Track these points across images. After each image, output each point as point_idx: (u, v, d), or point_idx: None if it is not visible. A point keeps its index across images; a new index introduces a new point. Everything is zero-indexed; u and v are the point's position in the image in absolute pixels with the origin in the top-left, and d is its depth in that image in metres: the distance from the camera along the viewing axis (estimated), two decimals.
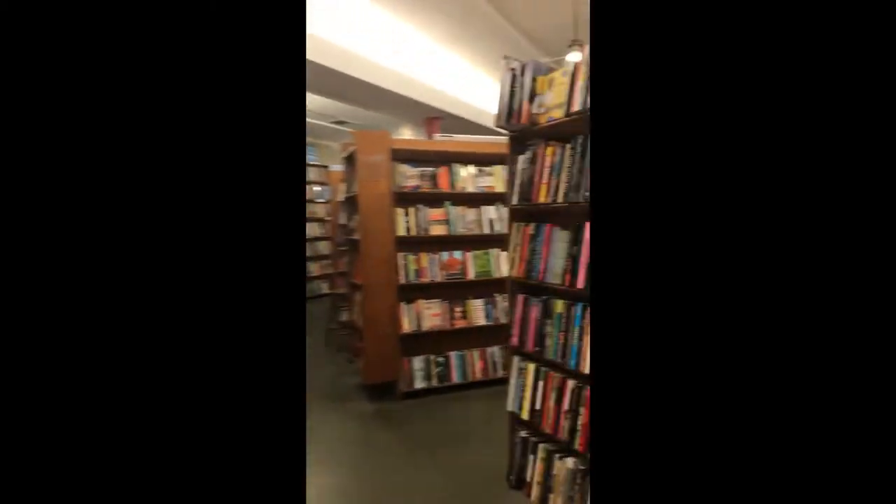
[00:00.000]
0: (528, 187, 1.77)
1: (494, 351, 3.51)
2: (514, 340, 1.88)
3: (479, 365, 3.46)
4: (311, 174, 7.50)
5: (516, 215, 1.91)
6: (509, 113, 1.79)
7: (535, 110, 1.73)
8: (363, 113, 5.26)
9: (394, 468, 2.36)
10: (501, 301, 3.53)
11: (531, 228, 1.80)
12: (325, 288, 7.47)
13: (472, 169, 3.48)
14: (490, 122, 5.39)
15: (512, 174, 1.89)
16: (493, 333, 3.58)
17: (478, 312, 3.48)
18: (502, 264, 3.52)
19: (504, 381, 3.56)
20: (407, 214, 3.31)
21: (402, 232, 3.28)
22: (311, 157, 8.01)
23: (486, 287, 3.58)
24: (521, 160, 1.83)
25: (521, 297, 1.86)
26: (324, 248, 7.56)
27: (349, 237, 3.72)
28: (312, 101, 5.58)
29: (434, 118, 4.43)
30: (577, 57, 3.63)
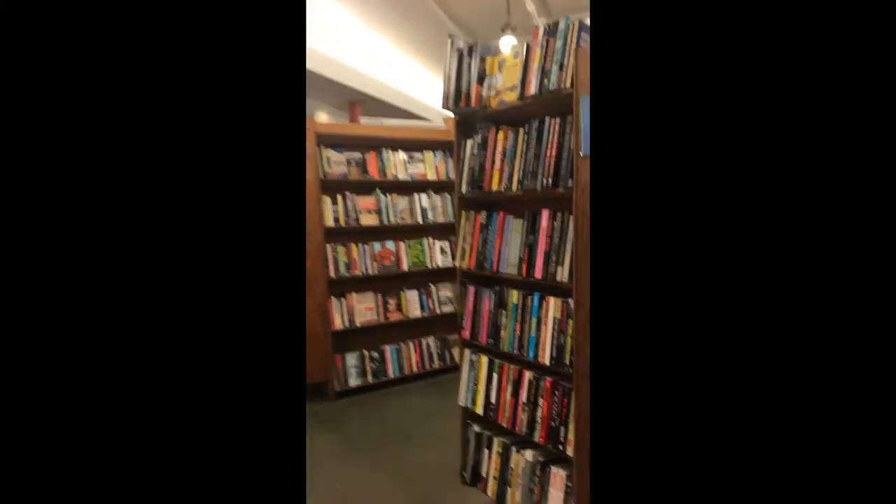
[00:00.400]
0: (480, 174, 1.70)
1: (430, 342, 3.44)
2: (466, 333, 1.82)
3: (415, 357, 3.38)
4: None
5: (466, 203, 1.83)
6: (457, 95, 1.70)
7: (485, 93, 1.65)
8: None
9: (336, 474, 2.21)
10: (436, 291, 3.47)
11: (482, 217, 1.73)
12: None
13: (402, 155, 3.35)
14: (416, 109, 5.25)
15: (460, 160, 1.80)
16: (428, 325, 3.50)
17: (412, 304, 3.38)
18: (436, 254, 3.45)
19: (441, 372, 3.55)
20: (335, 203, 3.10)
21: (330, 222, 3.07)
22: None
23: (421, 278, 3.49)
24: (470, 145, 1.75)
25: (471, 289, 1.79)
26: None
27: None
28: None
29: (356, 102, 4.21)
30: (511, 41, 3.60)
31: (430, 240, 3.43)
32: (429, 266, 3.39)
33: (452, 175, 3.51)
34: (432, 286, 3.45)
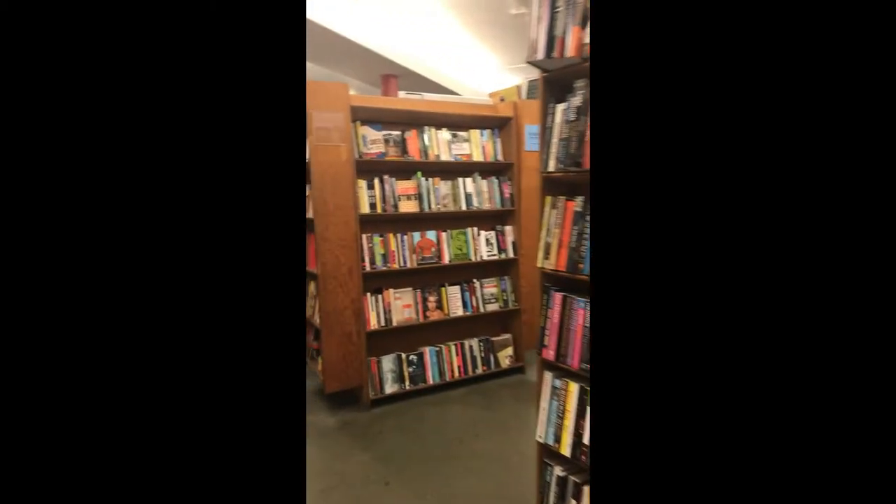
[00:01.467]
0: (578, 148, 1.30)
1: (473, 344, 3.07)
2: (549, 353, 1.43)
3: (456, 361, 3.02)
4: None
5: (552, 186, 1.43)
6: (549, 42, 1.29)
7: (588, 40, 1.24)
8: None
9: None
10: (480, 287, 3.09)
11: (577, 204, 1.34)
12: None
13: (445, 134, 2.96)
14: (455, 88, 4.82)
15: (546, 129, 1.40)
16: (471, 325, 3.14)
17: (454, 301, 3.01)
18: (481, 246, 3.06)
19: (485, 378, 3.18)
20: (371, 188, 2.74)
21: (366, 209, 2.71)
22: None
23: (463, 272, 3.11)
24: (563, 110, 1.35)
25: (558, 297, 1.40)
26: None
27: None
28: None
29: (391, 75, 3.82)
30: None
31: (475, 230, 3.05)
32: (473, 259, 3.01)
33: (501, 156, 3.11)
34: (476, 282, 3.07)
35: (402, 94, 2.90)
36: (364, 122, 2.74)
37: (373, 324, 2.75)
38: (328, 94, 2.55)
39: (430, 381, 2.92)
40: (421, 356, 2.91)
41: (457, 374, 3.00)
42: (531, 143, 3.09)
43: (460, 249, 3.00)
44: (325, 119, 2.53)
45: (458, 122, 3.00)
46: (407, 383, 2.85)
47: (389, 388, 2.81)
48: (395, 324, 2.80)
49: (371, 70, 3.95)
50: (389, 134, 2.85)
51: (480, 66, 5.13)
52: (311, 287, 2.96)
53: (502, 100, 3.35)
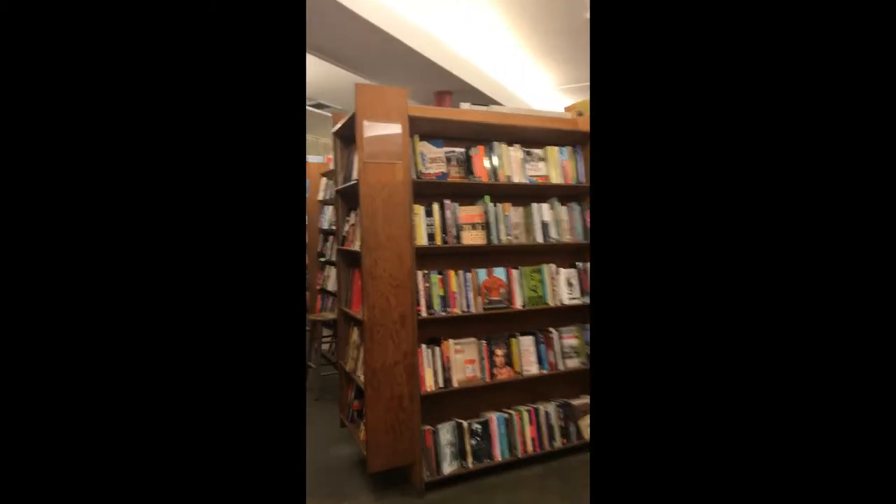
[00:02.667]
0: None
1: (550, 410, 2.47)
2: None
3: (529, 432, 2.41)
4: None
5: None
6: None
7: None
8: (349, 89, 4.17)
9: None
10: (558, 339, 2.50)
11: None
12: None
13: (518, 151, 2.45)
14: (517, 106, 4.37)
15: None
16: (547, 385, 2.54)
17: (527, 356, 2.43)
18: (560, 287, 2.49)
19: (565, 454, 2.56)
20: (430, 214, 2.24)
21: (423, 240, 2.21)
22: None
23: (538, 319, 2.54)
24: None
25: None
26: None
27: (341, 247, 2.62)
28: None
29: (446, 92, 3.39)
30: None
31: (553, 267, 2.49)
32: (549, 303, 2.45)
33: (584, 178, 2.56)
34: (553, 332, 2.49)
35: (465, 105, 2.43)
36: (423, 137, 2.28)
37: (428, 384, 2.20)
38: (384, 100, 2.10)
39: (498, 458, 2.32)
40: (486, 425, 2.32)
41: (530, 448, 2.39)
42: None
43: (535, 291, 2.45)
44: (378, 131, 2.08)
45: (534, 138, 2.50)
46: (469, 460, 2.27)
47: (448, 466, 2.23)
48: (455, 384, 2.25)
49: (426, 84, 3.54)
50: (452, 151, 2.37)
51: (537, 85, 4.69)
52: (355, 335, 2.45)
53: (580, 114, 2.84)
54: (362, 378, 2.19)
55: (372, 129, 2.07)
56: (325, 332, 3.94)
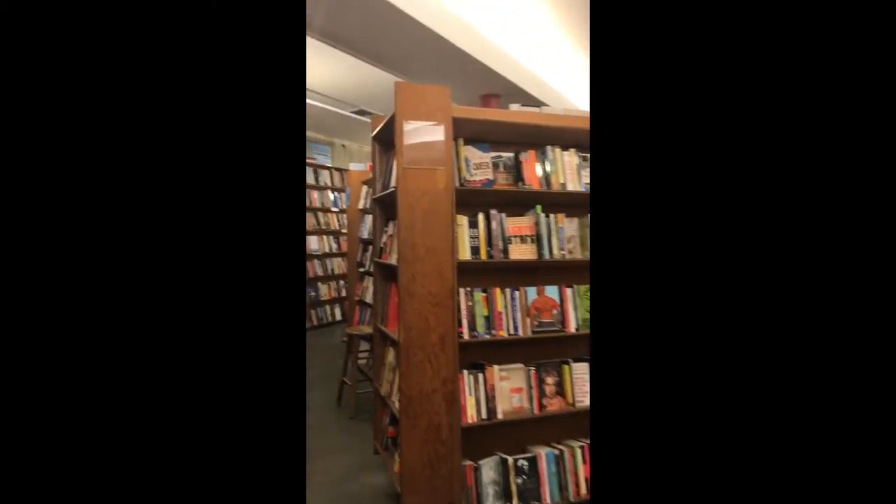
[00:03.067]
0: None
1: None
2: None
3: (583, 472, 2.13)
4: (325, 178, 6.31)
5: None
6: None
7: None
8: (392, 94, 4.07)
9: None
10: None
11: None
12: (337, 315, 6.22)
13: (573, 156, 2.21)
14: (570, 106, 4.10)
15: None
16: None
17: (580, 385, 2.16)
18: None
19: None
20: (474, 225, 2.03)
21: (466, 254, 2.00)
22: (324, 159, 6.82)
23: None
24: None
25: None
26: (338, 267, 6.33)
27: (378, 259, 2.45)
28: (326, 77, 4.38)
29: (492, 95, 3.18)
30: None
31: None
32: None
33: None
34: None
35: (514, 107, 2.21)
36: (467, 141, 2.08)
37: (470, 414, 1.98)
38: (425, 99, 1.91)
39: (548, 501, 2.06)
40: (534, 462, 2.07)
41: (584, 490, 2.12)
42: None
43: (591, 312, 2.18)
44: (419, 133, 1.89)
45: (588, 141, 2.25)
46: (515, 502, 2.02)
47: None
48: (500, 415, 2.01)
49: (472, 87, 3.35)
50: (500, 156, 2.15)
51: (583, 88, 4.40)
52: (390, 355, 2.26)
53: None
54: (397, 404, 1.99)
55: (412, 132, 1.88)
56: (363, 345, 3.79)
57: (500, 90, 3.41)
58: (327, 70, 4.15)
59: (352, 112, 5.31)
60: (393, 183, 2.04)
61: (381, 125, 2.19)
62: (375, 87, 4.45)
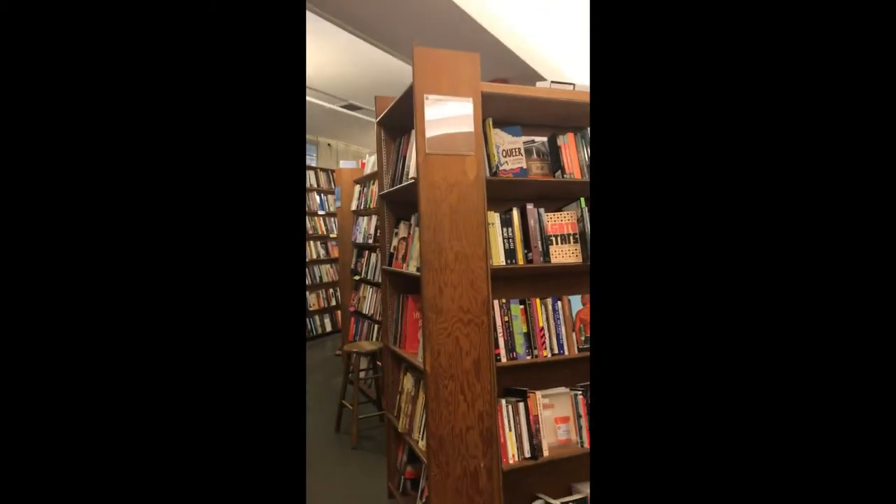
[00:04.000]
0: None
1: None
2: None
3: None
4: (311, 179, 5.90)
5: None
6: None
7: None
8: (387, 85, 3.68)
9: None
10: None
11: None
12: (328, 325, 5.80)
13: None
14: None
15: None
16: None
17: None
18: None
19: None
20: (507, 224, 1.68)
21: (500, 259, 1.65)
22: (309, 159, 6.40)
23: None
24: None
25: None
26: (326, 273, 5.92)
27: (388, 267, 2.07)
28: (311, 65, 3.98)
29: (500, 80, 2.83)
30: None
31: None
32: None
33: None
34: None
35: (541, 84, 1.86)
36: (496, 124, 1.73)
37: (511, 453, 1.62)
38: (451, 68, 1.55)
39: None
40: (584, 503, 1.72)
41: None
42: None
43: None
44: (443, 110, 1.53)
45: None
46: None
47: None
48: (545, 453, 1.66)
49: (487, 70, 2.98)
50: (532, 141, 1.81)
51: None
52: (408, 382, 1.89)
53: None
54: (421, 444, 1.63)
55: (436, 109, 1.52)
56: (362, 361, 3.41)
57: (511, 74, 3.07)
58: (312, 57, 3.76)
59: (341, 106, 4.91)
60: (411, 174, 1.68)
61: (391, 106, 1.83)
62: (368, 77, 4.07)
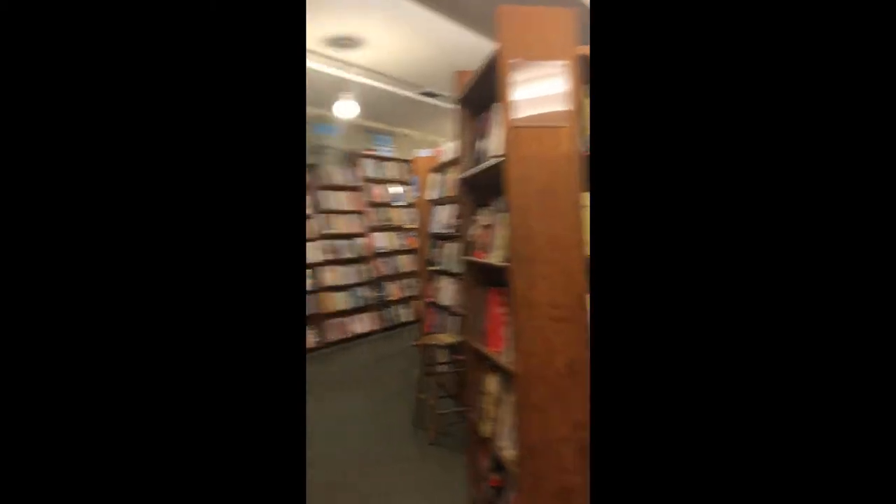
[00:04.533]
0: None
1: None
2: None
3: None
4: (388, 170, 5.91)
5: None
6: None
7: None
8: (465, 64, 3.55)
9: None
10: None
11: None
12: (403, 316, 5.81)
13: None
14: None
15: None
16: None
17: None
18: None
19: None
20: None
21: None
22: (386, 150, 6.43)
23: None
24: None
25: None
26: (403, 264, 5.93)
27: (468, 258, 1.92)
28: (387, 53, 3.92)
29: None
30: None
31: None
32: None
33: None
34: None
35: None
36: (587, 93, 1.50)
37: None
38: (542, 29, 1.36)
39: None
40: None
41: None
42: None
43: None
44: (534, 76, 1.34)
45: None
46: None
47: None
48: None
49: (586, 29, 2.72)
50: None
51: None
52: (492, 383, 1.73)
53: None
54: (507, 454, 1.47)
55: (525, 74, 1.33)
56: (440, 354, 3.32)
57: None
58: (388, 44, 3.70)
59: (419, 94, 4.83)
60: (496, 150, 1.51)
61: (474, 78, 1.66)
62: (444, 59, 3.95)
